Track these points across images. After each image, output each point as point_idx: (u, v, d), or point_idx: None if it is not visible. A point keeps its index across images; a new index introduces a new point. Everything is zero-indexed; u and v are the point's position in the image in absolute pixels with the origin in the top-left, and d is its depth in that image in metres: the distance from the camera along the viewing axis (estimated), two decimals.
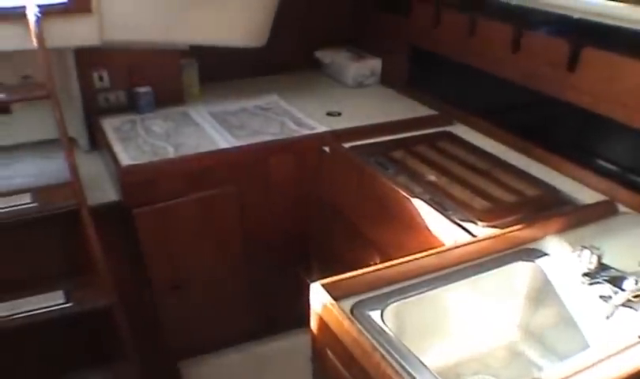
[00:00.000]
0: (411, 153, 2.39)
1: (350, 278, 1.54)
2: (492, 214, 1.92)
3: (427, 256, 1.64)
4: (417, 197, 2.02)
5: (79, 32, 2.47)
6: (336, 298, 1.47)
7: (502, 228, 1.81)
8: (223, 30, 2.80)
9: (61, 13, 2.38)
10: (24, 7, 2.23)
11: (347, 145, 2.48)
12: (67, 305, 2.22)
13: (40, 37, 2.18)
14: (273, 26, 2.92)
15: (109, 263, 2.26)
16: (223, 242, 2.55)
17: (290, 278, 2.65)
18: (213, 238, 2.51)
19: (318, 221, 2.69)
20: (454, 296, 1.62)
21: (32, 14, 2.20)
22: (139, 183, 2.30)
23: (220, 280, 2.61)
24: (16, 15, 2.25)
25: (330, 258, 2.65)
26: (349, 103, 2.98)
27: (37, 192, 2.28)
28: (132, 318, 2.36)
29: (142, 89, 2.75)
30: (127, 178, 2.28)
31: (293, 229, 2.71)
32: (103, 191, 2.41)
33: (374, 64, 3.21)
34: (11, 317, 2.16)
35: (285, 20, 2.98)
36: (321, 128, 2.64)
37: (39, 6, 2.24)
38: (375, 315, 1.46)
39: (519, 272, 1.69)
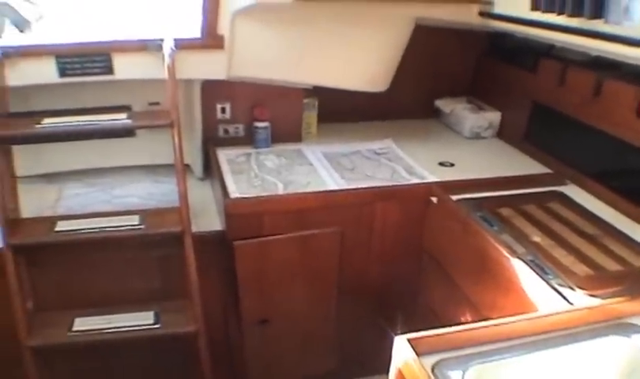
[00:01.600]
0: (519, 211, 2.34)
1: (436, 335, 1.52)
2: (593, 282, 1.85)
3: (517, 321, 1.59)
4: (518, 258, 1.97)
5: (209, 66, 2.60)
6: (419, 354, 1.45)
7: (602, 298, 1.74)
8: (347, 74, 2.84)
9: (194, 47, 2.51)
10: (161, 40, 2.38)
11: (455, 197, 2.45)
12: (155, 326, 2.31)
13: (172, 69, 2.31)
14: (396, 73, 2.96)
15: (202, 290, 2.32)
16: (317, 282, 2.56)
17: (374, 323, 2.65)
18: (309, 277, 2.53)
19: (414, 270, 2.66)
20: (541, 365, 1.55)
21: (167, 47, 2.34)
22: (244, 216, 2.35)
23: (308, 319, 2.63)
24: (154, 47, 2.40)
25: (419, 309, 2.63)
26: (463, 154, 2.95)
27: (146, 214, 2.37)
28: (216, 346, 2.42)
29: (261, 124, 2.84)
30: (233, 210, 2.33)
31: (387, 276, 2.68)
32: (208, 219, 2.48)
33: (493, 117, 3.16)
34: (104, 331, 2.27)
35: (408, 67, 3.01)
36: (431, 178, 2.62)
37: (175, 40, 2.39)
38: (456, 376, 1.42)
39: (613, 347, 1.60)
